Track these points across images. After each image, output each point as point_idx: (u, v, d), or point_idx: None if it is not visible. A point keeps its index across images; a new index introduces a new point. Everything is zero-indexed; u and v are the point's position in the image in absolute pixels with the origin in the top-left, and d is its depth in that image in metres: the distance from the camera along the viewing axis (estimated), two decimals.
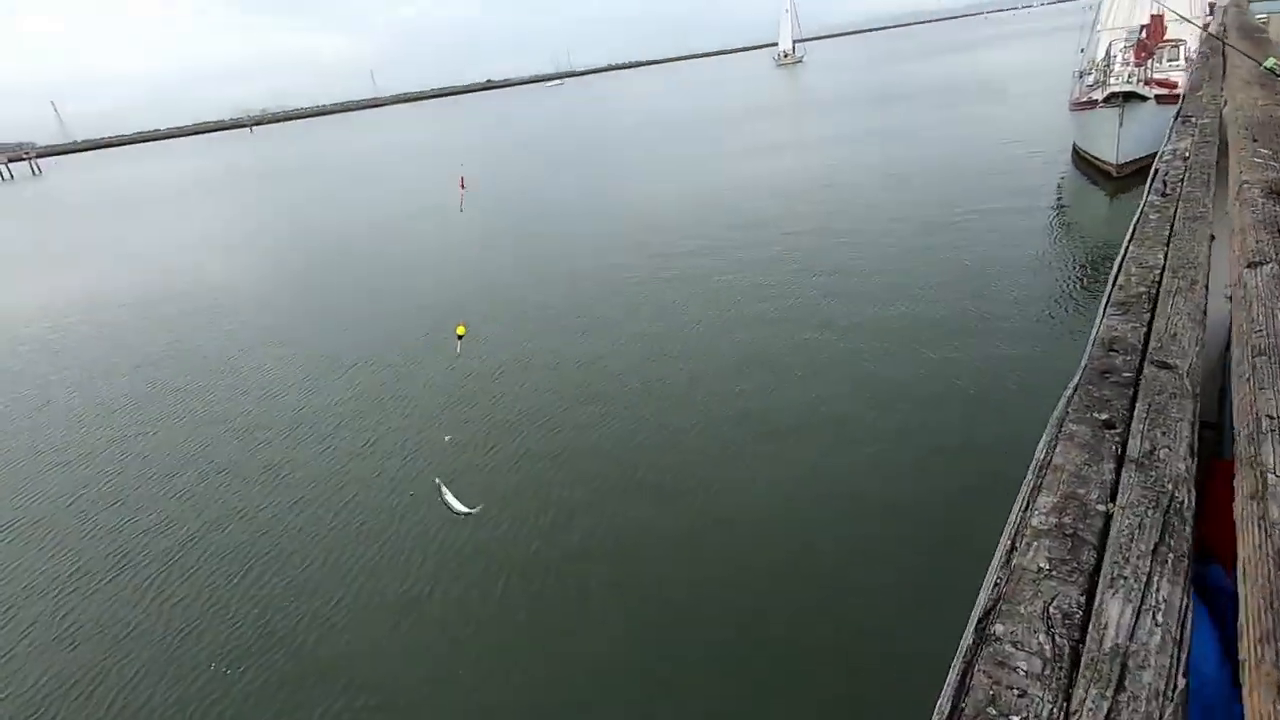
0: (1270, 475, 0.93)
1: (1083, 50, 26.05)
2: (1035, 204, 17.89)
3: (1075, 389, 1.61)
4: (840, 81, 73.35)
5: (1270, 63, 4.05)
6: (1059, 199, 18.97)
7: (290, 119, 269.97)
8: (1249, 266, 1.64)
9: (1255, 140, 2.71)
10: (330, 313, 16.91)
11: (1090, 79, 23.21)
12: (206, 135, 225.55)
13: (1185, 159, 3.42)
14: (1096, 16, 27.07)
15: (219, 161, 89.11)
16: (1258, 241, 1.75)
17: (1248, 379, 1.21)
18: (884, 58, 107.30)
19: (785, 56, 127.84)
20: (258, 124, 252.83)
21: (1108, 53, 23.79)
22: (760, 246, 16.76)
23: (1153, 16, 20.35)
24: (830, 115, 44.36)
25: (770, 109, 55.83)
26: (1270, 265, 1.60)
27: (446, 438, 9.57)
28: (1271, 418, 1.06)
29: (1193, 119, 4.26)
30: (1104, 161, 19.65)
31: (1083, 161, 21.58)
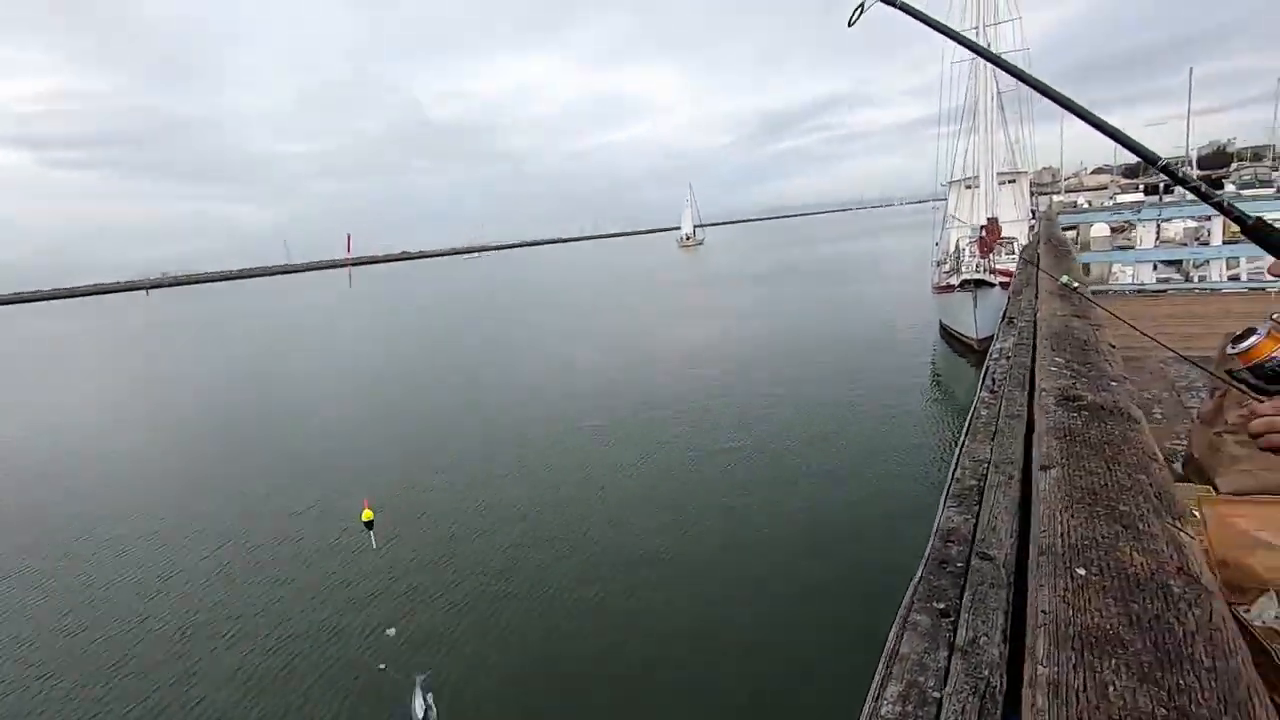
0: (1039, 666, 1.17)
1: (937, 243, 30.51)
2: (915, 379, 19.87)
3: (920, 579, 1.87)
4: (736, 261, 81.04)
5: (1065, 279, 5.03)
6: (934, 367, 21.18)
7: (193, 282, 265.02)
8: (1040, 469, 2.02)
9: (1053, 349, 3.33)
10: (218, 484, 15.77)
11: (946, 267, 27.02)
12: (97, 297, 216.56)
13: (1009, 359, 4.11)
14: (944, 215, 32.07)
15: (107, 323, 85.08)
16: (1048, 447, 2.15)
17: (1032, 575, 1.50)
18: (774, 243, 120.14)
19: (688, 239, 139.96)
20: (156, 286, 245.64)
21: (957, 246, 28.02)
22: (663, 424, 17.04)
23: (989, 219, 24.35)
24: (729, 291, 48.44)
25: (676, 284, 60.35)
26: (1055, 469, 1.98)
27: (389, 631, 8.62)
28: (1045, 612, 1.32)
29: (1015, 321, 5.13)
30: (966, 336, 22.37)
31: (949, 335, 24.45)
